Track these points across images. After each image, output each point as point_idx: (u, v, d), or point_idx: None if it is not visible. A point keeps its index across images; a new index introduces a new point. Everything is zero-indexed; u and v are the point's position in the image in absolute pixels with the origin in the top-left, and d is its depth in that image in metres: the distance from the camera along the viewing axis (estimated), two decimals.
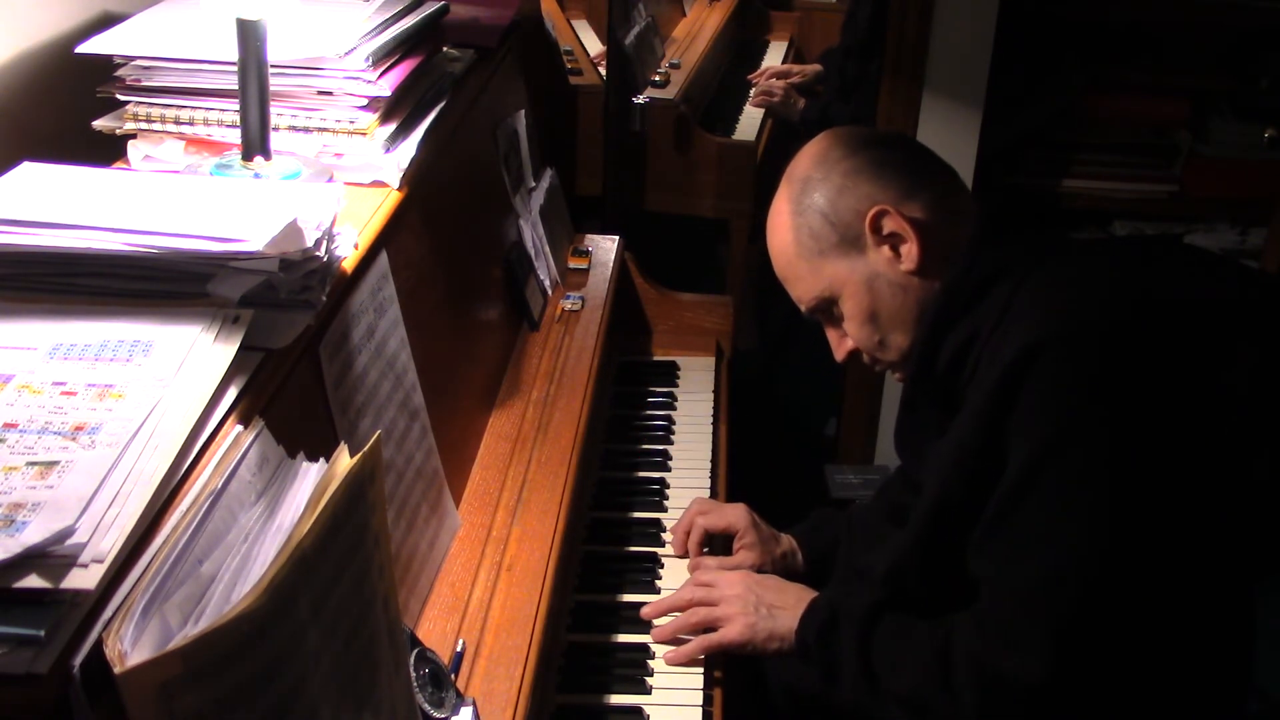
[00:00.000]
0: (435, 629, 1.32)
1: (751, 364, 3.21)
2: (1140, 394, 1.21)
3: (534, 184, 2.11)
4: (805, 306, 1.46)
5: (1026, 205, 2.58)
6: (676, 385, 2.15)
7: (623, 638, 1.57)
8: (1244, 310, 1.31)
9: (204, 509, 0.84)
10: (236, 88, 1.24)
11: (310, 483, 0.92)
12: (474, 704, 1.19)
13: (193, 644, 0.71)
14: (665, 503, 1.84)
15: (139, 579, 0.77)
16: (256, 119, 1.25)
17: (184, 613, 0.78)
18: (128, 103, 1.37)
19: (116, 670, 0.70)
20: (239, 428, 0.93)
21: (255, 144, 1.26)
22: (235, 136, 1.32)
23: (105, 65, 1.35)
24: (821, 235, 1.39)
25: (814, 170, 1.41)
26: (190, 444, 0.88)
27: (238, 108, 1.26)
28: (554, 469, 1.61)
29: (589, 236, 2.27)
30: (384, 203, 1.34)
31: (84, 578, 0.74)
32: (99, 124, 1.37)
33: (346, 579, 0.89)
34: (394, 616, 0.99)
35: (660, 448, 1.96)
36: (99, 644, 0.72)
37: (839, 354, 1.48)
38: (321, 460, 0.93)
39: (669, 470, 1.91)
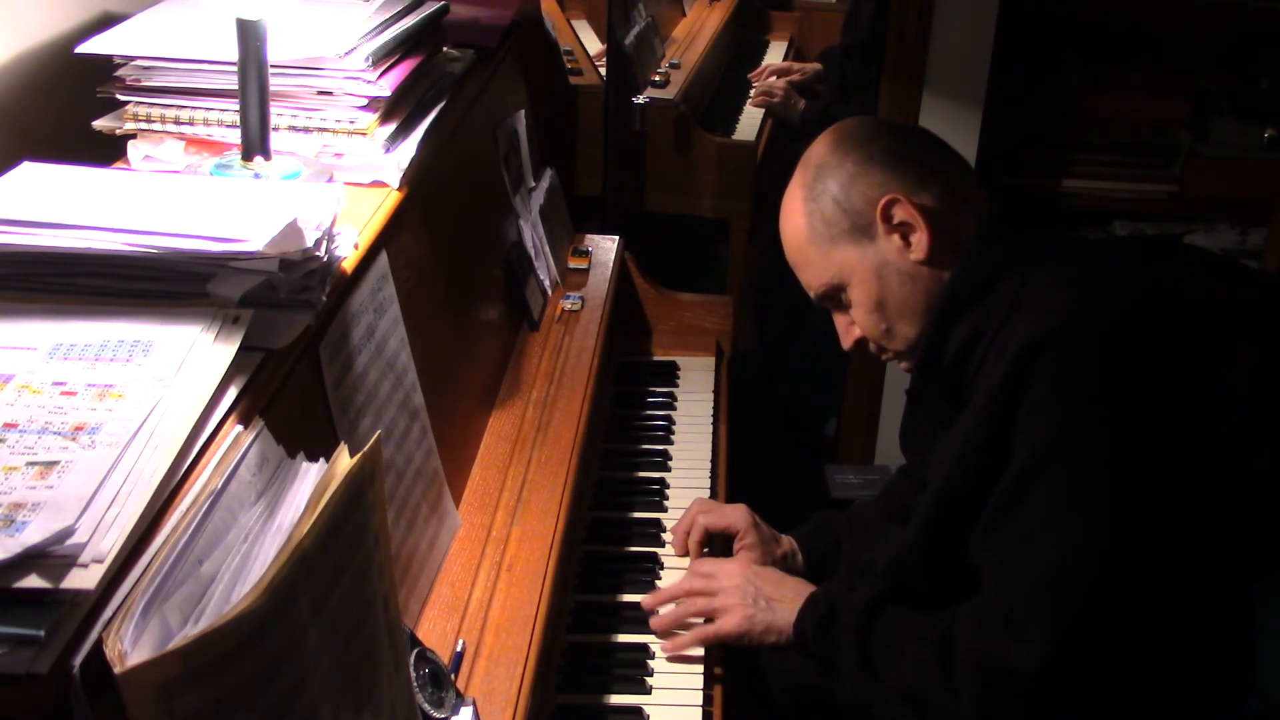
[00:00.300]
0: (435, 629, 1.32)
1: (751, 364, 3.21)
2: (1143, 390, 1.21)
3: (534, 184, 2.11)
4: (814, 293, 1.47)
5: (1029, 205, 2.58)
6: (676, 385, 2.15)
7: (623, 638, 1.57)
8: (1244, 310, 1.31)
9: (204, 509, 0.84)
10: (236, 88, 1.24)
11: (310, 483, 0.92)
12: (474, 704, 1.19)
13: (193, 644, 0.71)
14: (665, 503, 1.84)
15: (139, 579, 0.77)
16: (256, 119, 1.25)
17: (184, 613, 0.78)
18: (128, 103, 1.37)
19: (116, 670, 0.70)
20: (239, 428, 0.93)
21: (255, 144, 1.26)
22: (235, 136, 1.31)
23: (105, 65, 1.35)
24: (833, 221, 1.40)
25: (828, 157, 1.42)
26: (190, 444, 0.88)
27: (238, 108, 1.26)
28: (554, 469, 1.61)
29: (589, 236, 2.27)
30: (384, 203, 1.34)
31: (84, 578, 0.74)
32: (99, 124, 1.37)
33: (346, 579, 0.89)
34: (394, 616, 0.99)
35: (660, 448, 1.96)
36: (99, 644, 0.72)
37: (846, 342, 1.48)
38: (321, 460, 0.93)
39: (669, 470, 1.91)
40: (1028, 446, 1.22)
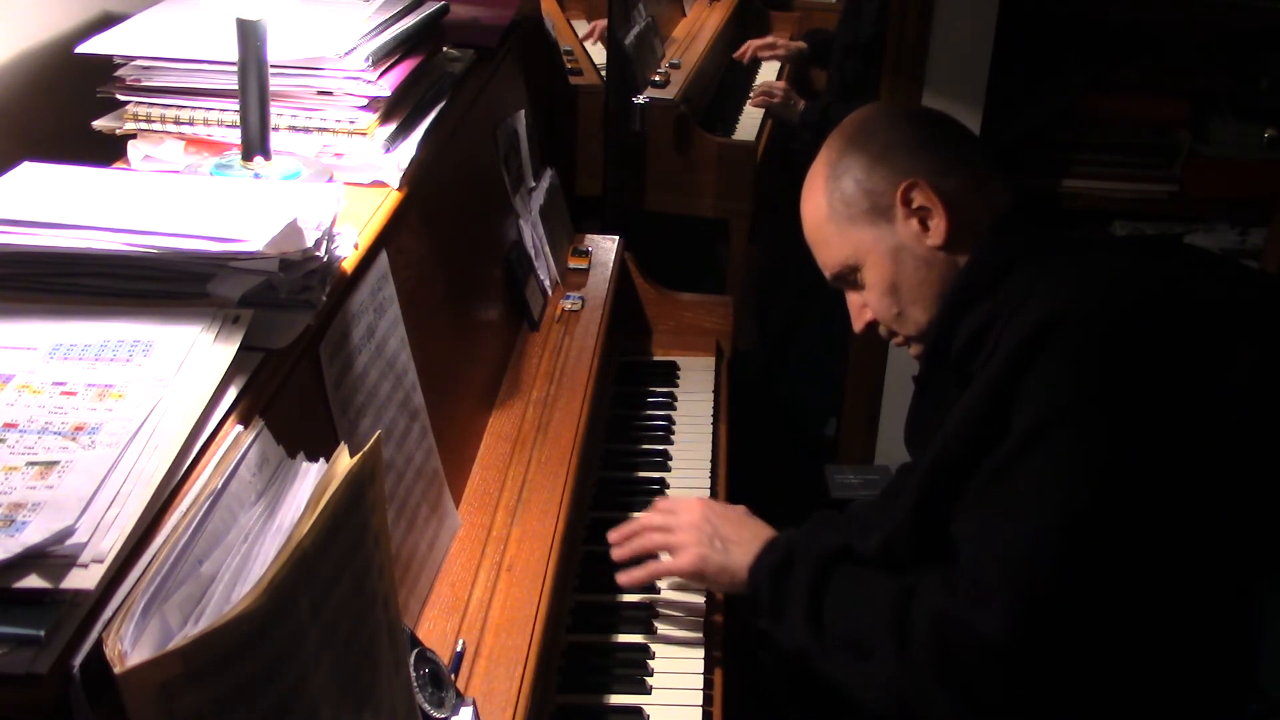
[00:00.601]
0: (435, 629, 1.32)
1: (751, 364, 3.21)
2: (1144, 379, 1.21)
3: (534, 184, 2.11)
4: (829, 272, 1.47)
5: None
6: (676, 385, 2.15)
7: (623, 638, 1.57)
8: (1244, 310, 1.31)
9: (204, 509, 0.84)
10: (236, 88, 1.24)
11: (310, 483, 0.92)
12: (474, 704, 1.19)
13: (193, 644, 0.71)
14: None
15: (139, 579, 0.77)
16: (256, 119, 1.25)
17: (184, 613, 0.78)
18: (128, 103, 1.37)
19: (116, 670, 0.70)
20: (239, 428, 0.93)
21: (255, 144, 1.26)
22: (235, 136, 1.32)
23: (105, 65, 1.35)
24: (853, 201, 1.40)
25: (855, 137, 1.43)
26: (190, 444, 0.88)
27: (238, 108, 1.26)
28: (554, 469, 1.61)
29: (589, 236, 2.27)
30: (384, 203, 1.34)
31: (84, 578, 0.74)
32: (99, 124, 1.37)
33: (346, 579, 0.89)
34: (394, 616, 0.99)
35: (660, 448, 1.96)
36: (99, 644, 0.72)
37: (857, 324, 1.49)
38: (321, 460, 0.93)
39: (669, 470, 1.91)
40: (1028, 417, 1.22)
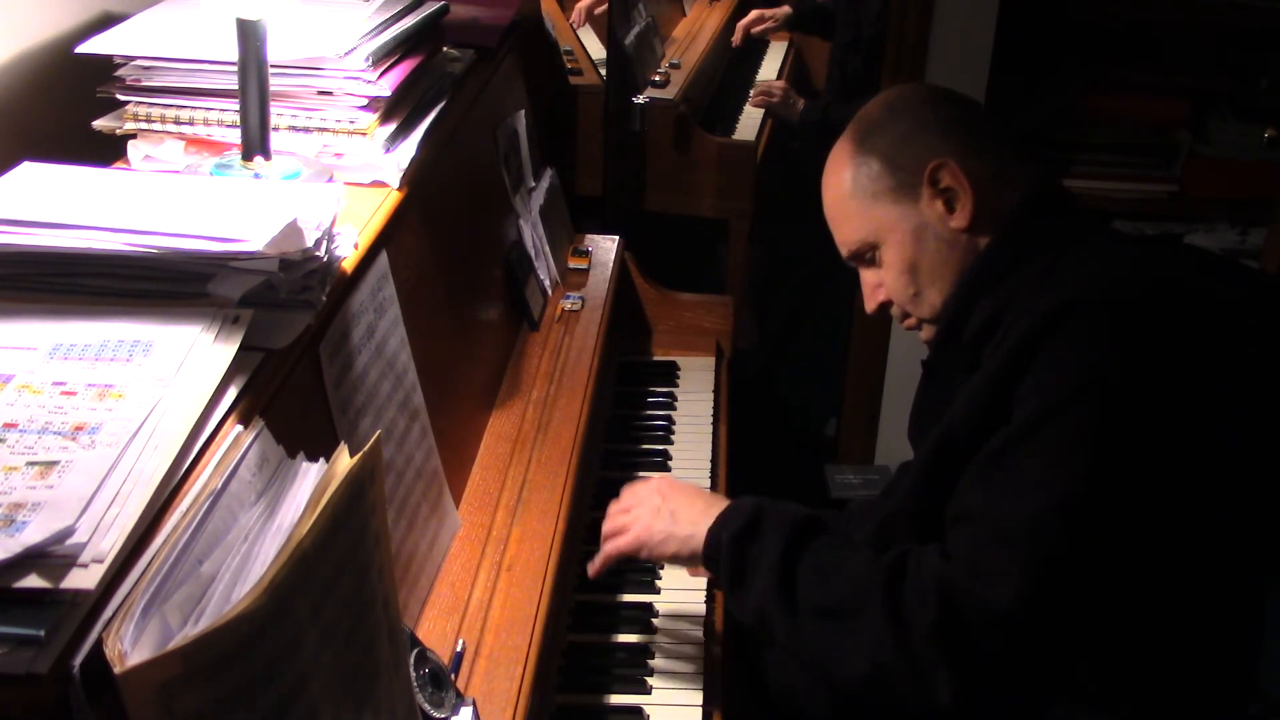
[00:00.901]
0: (435, 629, 1.32)
1: (751, 364, 3.21)
2: (1158, 366, 1.21)
3: (534, 184, 2.11)
4: (847, 249, 1.45)
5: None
6: (676, 385, 2.15)
7: (623, 638, 1.57)
8: (1244, 310, 1.31)
9: (204, 509, 0.84)
10: (236, 88, 1.24)
11: (310, 483, 0.92)
12: (474, 704, 1.19)
13: (193, 644, 0.71)
14: None
15: (139, 579, 0.77)
16: (256, 119, 1.25)
17: (184, 613, 0.78)
18: (128, 103, 1.37)
19: (116, 670, 0.70)
20: (239, 428, 0.93)
21: (255, 144, 1.26)
22: (235, 136, 1.32)
23: (105, 65, 1.35)
24: (879, 178, 1.39)
25: (884, 115, 1.42)
26: (190, 444, 0.88)
27: (238, 108, 1.26)
28: (554, 469, 1.61)
29: (589, 236, 2.27)
30: (384, 203, 1.34)
31: (84, 578, 0.74)
32: (99, 124, 1.37)
33: (346, 579, 0.89)
34: (394, 617, 0.99)
35: (660, 448, 1.96)
36: (99, 644, 0.72)
37: (870, 304, 1.47)
38: (321, 460, 0.93)
39: (669, 470, 1.91)
40: (1033, 400, 1.21)
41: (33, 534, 0.74)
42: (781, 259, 3.60)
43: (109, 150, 1.38)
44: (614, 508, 1.51)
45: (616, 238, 2.27)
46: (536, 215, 2.06)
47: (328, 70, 1.35)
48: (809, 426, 3.17)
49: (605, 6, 2.95)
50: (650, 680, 1.50)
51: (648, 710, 1.45)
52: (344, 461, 0.90)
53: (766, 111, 3.37)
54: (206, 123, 1.36)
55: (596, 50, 3.00)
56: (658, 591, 1.66)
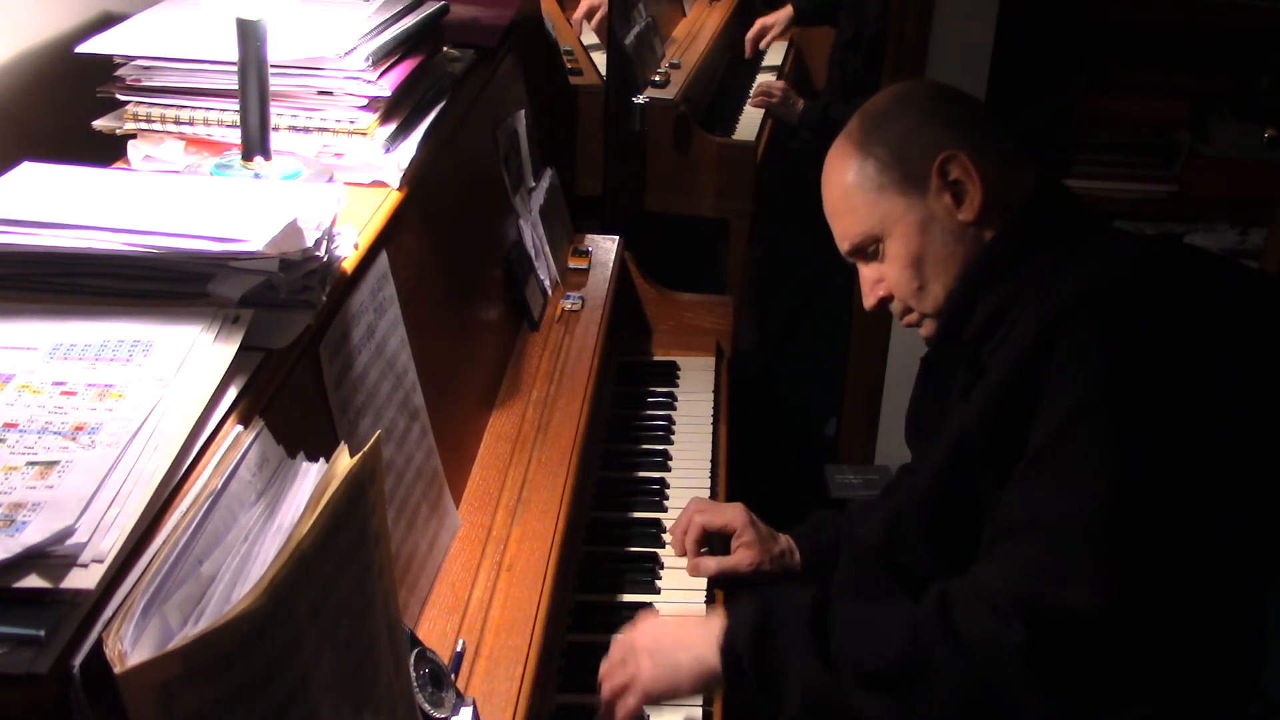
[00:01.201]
0: (435, 629, 1.32)
1: (751, 364, 3.21)
2: (1180, 353, 1.21)
3: (534, 184, 2.11)
4: (848, 243, 1.43)
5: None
6: (676, 385, 2.15)
7: None
8: (1245, 310, 1.31)
9: (204, 509, 0.84)
10: (236, 88, 1.24)
11: (310, 483, 0.92)
12: (474, 704, 1.20)
13: (193, 644, 0.71)
14: (665, 503, 1.84)
15: (139, 579, 0.77)
16: (256, 119, 1.25)
17: (184, 613, 0.79)
18: (128, 103, 1.37)
19: (116, 670, 0.71)
20: (239, 428, 0.93)
21: (255, 144, 1.26)
22: (235, 136, 1.32)
23: (105, 65, 1.35)
24: (886, 169, 1.38)
25: (890, 108, 1.42)
26: (190, 444, 0.88)
27: (238, 108, 1.26)
28: (554, 469, 1.61)
29: (589, 236, 2.27)
30: (384, 203, 1.34)
31: (84, 578, 0.74)
32: (99, 124, 1.37)
33: (346, 579, 0.89)
34: (394, 616, 0.99)
35: (660, 448, 1.96)
36: (99, 644, 0.72)
37: (869, 299, 1.45)
38: (321, 460, 0.93)
39: (669, 470, 1.91)
40: (1066, 395, 1.20)
41: (33, 534, 0.74)
42: (781, 259, 3.60)
43: (109, 150, 1.38)
44: (606, 666, 1.41)
45: (616, 238, 2.27)
46: (536, 215, 2.06)
47: (328, 70, 1.35)
48: (809, 426, 3.17)
49: (604, 10, 2.95)
50: None
51: (647, 710, 1.45)
52: (344, 461, 0.90)
53: (766, 111, 3.37)
54: (206, 123, 1.36)
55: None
56: (658, 592, 1.66)
